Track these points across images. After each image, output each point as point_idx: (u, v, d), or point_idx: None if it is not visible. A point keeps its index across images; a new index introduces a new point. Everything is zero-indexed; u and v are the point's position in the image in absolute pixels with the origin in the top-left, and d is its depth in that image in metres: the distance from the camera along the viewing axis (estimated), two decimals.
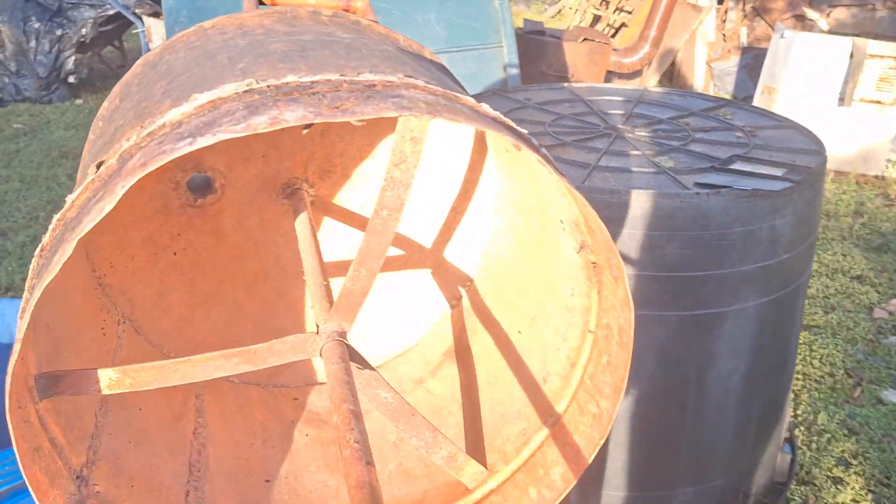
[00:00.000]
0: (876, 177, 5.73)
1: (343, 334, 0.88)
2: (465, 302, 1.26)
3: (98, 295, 1.12)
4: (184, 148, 0.64)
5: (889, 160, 5.83)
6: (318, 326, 0.90)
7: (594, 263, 0.89)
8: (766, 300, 2.23)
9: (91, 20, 6.24)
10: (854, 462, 2.82)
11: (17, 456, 0.70)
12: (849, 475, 2.76)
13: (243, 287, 1.28)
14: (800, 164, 2.24)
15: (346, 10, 1.06)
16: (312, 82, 0.71)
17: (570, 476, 0.92)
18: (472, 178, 1.22)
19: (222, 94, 0.71)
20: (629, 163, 2.24)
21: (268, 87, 0.71)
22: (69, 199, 0.71)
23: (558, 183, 0.86)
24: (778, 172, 2.20)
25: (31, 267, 0.72)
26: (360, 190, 1.27)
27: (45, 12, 6.19)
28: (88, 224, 0.63)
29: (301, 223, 1.14)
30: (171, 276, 1.22)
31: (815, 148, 2.39)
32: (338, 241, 1.31)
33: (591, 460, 0.91)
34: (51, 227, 0.70)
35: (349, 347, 0.86)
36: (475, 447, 1.05)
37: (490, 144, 1.14)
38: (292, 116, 0.66)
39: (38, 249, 0.71)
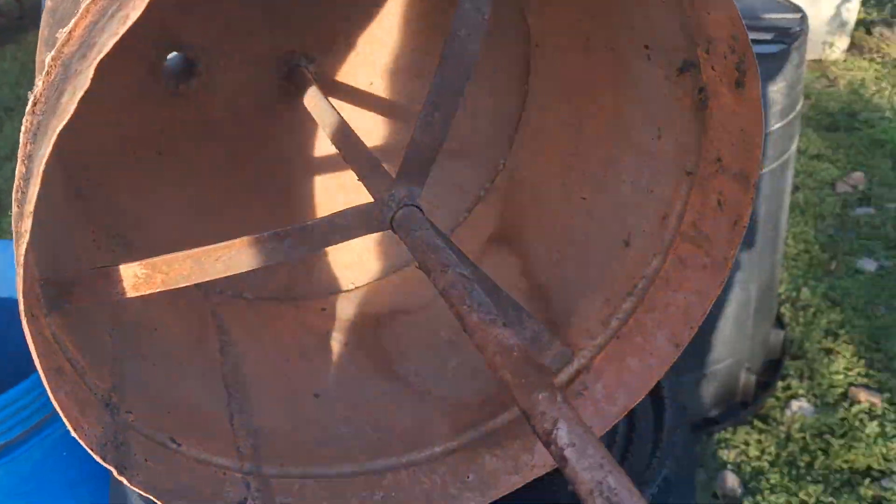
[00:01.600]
0: (814, 60, 5.75)
1: (414, 197, 0.72)
2: (504, 178, 1.11)
3: (80, 208, 0.93)
4: None
5: (825, 42, 5.85)
6: (377, 198, 0.74)
7: (701, 89, 0.75)
8: (762, 172, 2.16)
9: None
10: (841, 332, 2.86)
11: (42, 377, 0.53)
12: (838, 345, 2.79)
13: (245, 192, 1.11)
14: (785, 27, 2.15)
15: None
16: None
17: (681, 336, 0.80)
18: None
19: None
20: None
21: None
22: (61, 33, 0.52)
23: None
24: (767, 36, 2.10)
25: (21, 137, 0.53)
26: (369, 62, 1.09)
27: None
28: (111, 39, 0.45)
29: (312, 97, 0.97)
30: (160, 184, 1.04)
31: (795, 12, 2.30)
32: None
33: (704, 315, 0.79)
34: (43, 72, 0.52)
35: (423, 213, 0.71)
36: (551, 329, 0.92)
37: None
38: None
39: (29, 106, 0.53)
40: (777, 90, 2.07)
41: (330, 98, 1.12)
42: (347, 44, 1.07)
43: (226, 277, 1.07)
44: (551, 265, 0.99)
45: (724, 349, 2.37)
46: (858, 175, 3.89)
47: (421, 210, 0.71)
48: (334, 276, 1.14)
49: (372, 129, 1.14)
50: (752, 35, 2.19)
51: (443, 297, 0.60)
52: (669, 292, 0.82)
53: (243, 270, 0.69)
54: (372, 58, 1.09)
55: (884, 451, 2.35)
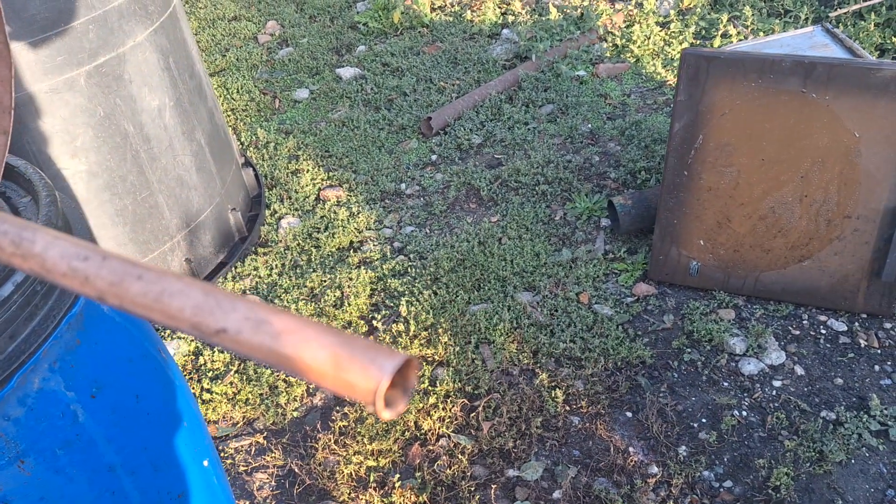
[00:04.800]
0: None
1: None
2: None
3: None
4: None
5: None
6: None
7: None
8: (152, 29, 2.31)
9: None
10: (300, 154, 3.32)
11: None
12: (300, 164, 3.25)
13: None
14: None
15: None
16: None
17: (4, 123, 0.92)
18: None
19: None
20: None
21: None
22: None
23: None
24: None
25: None
26: None
27: None
28: None
29: None
30: None
31: None
32: None
33: (13, 97, 0.92)
34: None
35: None
36: None
37: None
38: None
39: None
40: None
41: None
42: None
43: None
44: None
45: (201, 199, 2.59)
46: (272, 23, 4.36)
47: None
48: None
49: None
50: None
51: None
52: None
53: None
54: None
55: (356, 226, 2.90)
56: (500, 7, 4.10)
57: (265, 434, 2.16)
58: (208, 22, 4.37)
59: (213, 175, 2.65)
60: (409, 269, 2.67)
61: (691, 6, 3.79)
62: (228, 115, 3.55)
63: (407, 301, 2.52)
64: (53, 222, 0.97)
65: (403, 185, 3.13)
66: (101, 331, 1.00)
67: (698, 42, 3.61)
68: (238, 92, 3.70)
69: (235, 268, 2.74)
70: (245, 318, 0.38)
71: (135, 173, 2.30)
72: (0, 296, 0.84)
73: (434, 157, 3.26)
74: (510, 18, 4.02)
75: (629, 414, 2.04)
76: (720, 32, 3.57)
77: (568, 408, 2.08)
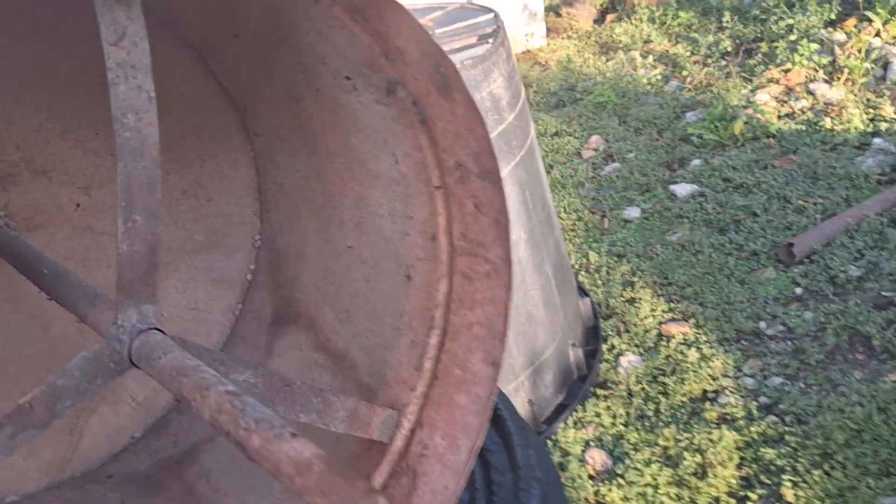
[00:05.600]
0: (523, 52, 6.26)
1: (148, 318, 0.59)
2: (265, 254, 1.01)
3: None
4: None
5: (526, 34, 6.41)
6: (105, 335, 0.60)
7: (415, 102, 0.70)
8: (514, 164, 2.24)
9: None
10: (635, 280, 3.06)
11: None
12: (637, 291, 2.98)
13: None
14: (484, 28, 2.26)
15: None
16: None
17: (495, 353, 0.75)
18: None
19: None
20: None
21: None
22: None
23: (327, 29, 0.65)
24: (472, 40, 2.19)
25: None
26: (70, 181, 0.93)
27: None
28: None
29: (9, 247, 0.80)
30: None
31: (487, 13, 2.44)
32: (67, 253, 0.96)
33: (507, 322, 0.75)
34: None
35: (165, 334, 0.58)
36: (368, 395, 0.83)
37: None
38: None
39: None
40: (498, 85, 2.16)
41: (35, 232, 0.95)
42: (32, 170, 0.91)
43: None
44: (343, 327, 0.89)
45: (546, 334, 2.42)
46: (596, 138, 4.25)
47: (161, 330, 0.58)
48: (109, 432, 0.96)
49: (93, 257, 0.98)
50: (458, 42, 2.25)
51: (213, 426, 0.48)
52: (466, 311, 0.77)
53: None
54: (71, 177, 0.93)
55: (709, 372, 2.52)
56: (866, 112, 3.55)
57: None
58: None
59: (556, 308, 2.48)
60: (785, 436, 2.21)
61: None
62: None
63: (791, 480, 2.05)
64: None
65: (763, 324, 2.69)
66: None
67: None
68: (565, 211, 3.59)
69: (576, 412, 2.51)
70: None
71: None
72: None
73: (799, 291, 2.79)
74: (882, 125, 3.44)
75: None
76: None
77: None
